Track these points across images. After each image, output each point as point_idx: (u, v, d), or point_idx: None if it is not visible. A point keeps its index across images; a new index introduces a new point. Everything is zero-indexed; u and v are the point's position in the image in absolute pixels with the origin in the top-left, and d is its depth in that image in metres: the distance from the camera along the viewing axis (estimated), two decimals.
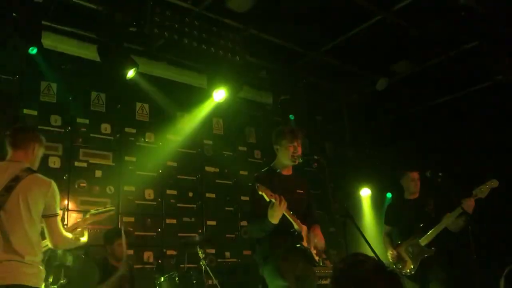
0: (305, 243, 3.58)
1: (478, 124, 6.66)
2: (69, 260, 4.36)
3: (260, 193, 3.32)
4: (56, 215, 3.13)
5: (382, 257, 4.06)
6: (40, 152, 3.34)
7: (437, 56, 6.42)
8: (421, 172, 4.94)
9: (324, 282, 5.28)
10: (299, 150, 3.77)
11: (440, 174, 4.60)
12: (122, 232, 4.75)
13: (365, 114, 7.80)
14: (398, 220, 5.02)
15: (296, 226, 3.54)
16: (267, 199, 3.33)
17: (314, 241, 3.71)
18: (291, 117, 7.16)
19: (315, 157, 3.92)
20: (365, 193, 7.78)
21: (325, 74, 6.93)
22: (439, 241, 4.62)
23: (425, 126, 7.45)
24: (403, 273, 4.64)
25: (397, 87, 7.05)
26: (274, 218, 3.37)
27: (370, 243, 3.29)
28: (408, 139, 7.44)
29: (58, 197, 3.17)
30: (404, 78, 6.94)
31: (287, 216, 3.46)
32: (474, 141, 6.64)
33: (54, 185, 3.15)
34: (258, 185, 3.35)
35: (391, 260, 4.78)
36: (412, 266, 4.63)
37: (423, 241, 4.62)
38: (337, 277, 1.60)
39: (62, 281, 4.14)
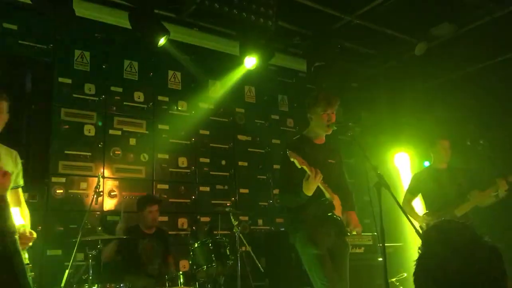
0: (336, 212, 3.53)
1: None
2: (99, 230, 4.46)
3: (291, 159, 3.27)
4: None
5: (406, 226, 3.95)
6: None
7: (481, 18, 6.06)
8: (460, 140, 4.77)
9: (358, 250, 5.24)
10: (333, 118, 3.66)
11: (481, 142, 4.42)
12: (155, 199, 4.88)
13: (403, 80, 7.52)
14: (426, 189, 4.87)
15: (327, 195, 3.48)
16: (298, 166, 3.29)
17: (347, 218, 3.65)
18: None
19: (350, 124, 3.81)
20: (402, 161, 7.57)
21: (362, 39, 6.67)
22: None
23: (467, 93, 7.13)
24: None
25: (437, 52, 6.72)
26: (309, 190, 3.35)
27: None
28: (448, 106, 7.15)
29: None
30: (445, 42, 6.60)
31: (320, 185, 3.40)
32: None
33: None
34: (289, 151, 3.30)
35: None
36: None
37: (459, 211, 4.49)
38: (429, 245, 1.50)
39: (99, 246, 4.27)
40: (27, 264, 3.11)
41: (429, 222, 4.59)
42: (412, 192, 5.00)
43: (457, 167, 4.84)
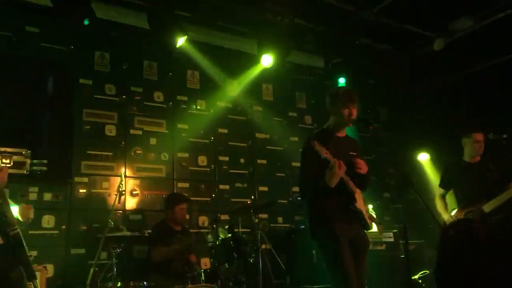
0: (358, 205, 3.52)
1: None
2: (124, 228, 4.53)
3: (316, 149, 3.27)
4: None
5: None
6: None
7: (502, 11, 5.96)
8: (485, 134, 4.68)
9: (380, 247, 5.22)
10: (354, 113, 3.66)
11: (504, 136, 4.36)
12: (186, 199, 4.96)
13: (422, 76, 7.44)
14: (456, 183, 4.80)
15: (349, 188, 3.48)
16: (322, 156, 3.28)
17: (366, 205, 3.64)
18: (341, 81, 6.95)
19: (370, 121, 3.79)
20: (423, 157, 7.50)
21: (379, 34, 6.62)
22: (505, 209, 4.39)
23: (486, 87, 7.03)
24: None
25: (457, 47, 6.63)
26: (332, 181, 3.33)
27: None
28: (468, 101, 7.07)
29: None
30: (464, 36, 6.51)
31: (343, 177, 3.40)
32: None
33: None
34: (314, 141, 3.30)
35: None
36: None
37: (487, 207, 4.40)
38: (446, 244, 1.50)
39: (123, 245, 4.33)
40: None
41: (455, 219, 4.53)
42: (442, 186, 4.94)
43: (488, 161, 4.73)
